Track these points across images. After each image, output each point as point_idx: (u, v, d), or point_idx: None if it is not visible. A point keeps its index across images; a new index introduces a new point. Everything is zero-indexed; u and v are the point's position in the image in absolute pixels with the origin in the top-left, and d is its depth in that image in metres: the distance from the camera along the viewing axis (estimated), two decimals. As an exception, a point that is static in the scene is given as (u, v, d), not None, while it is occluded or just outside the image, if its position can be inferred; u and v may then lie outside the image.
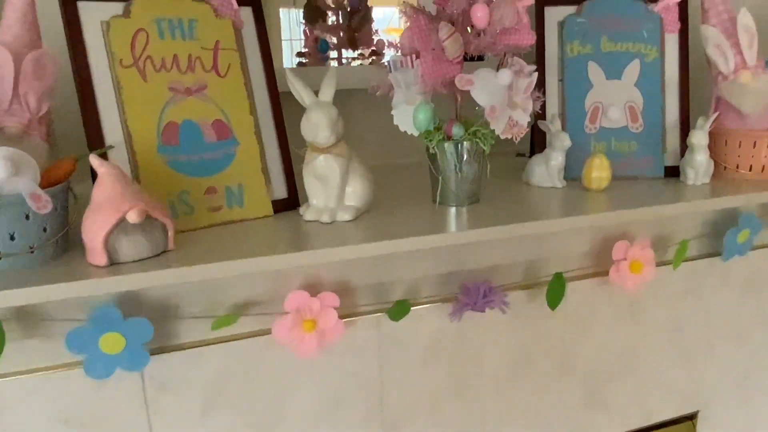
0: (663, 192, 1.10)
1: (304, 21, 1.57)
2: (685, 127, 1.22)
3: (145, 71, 0.89)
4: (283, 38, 1.49)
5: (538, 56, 1.21)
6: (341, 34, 1.61)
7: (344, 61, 1.59)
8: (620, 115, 1.20)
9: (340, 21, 1.62)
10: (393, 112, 0.98)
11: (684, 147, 1.21)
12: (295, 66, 1.51)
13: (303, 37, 1.56)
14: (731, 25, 1.16)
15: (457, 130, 0.98)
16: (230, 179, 0.95)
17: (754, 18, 1.13)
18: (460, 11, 0.91)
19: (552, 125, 1.14)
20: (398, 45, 0.99)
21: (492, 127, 0.95)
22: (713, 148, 1.17)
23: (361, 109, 1.34)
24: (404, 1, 0.96)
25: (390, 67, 0.97)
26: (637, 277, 1.01)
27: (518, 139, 0.98)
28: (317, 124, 0.89)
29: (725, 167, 1.19)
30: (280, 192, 1.02)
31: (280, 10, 1.51)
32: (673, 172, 1.21)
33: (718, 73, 1.17)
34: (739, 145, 1.16)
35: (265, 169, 0.99)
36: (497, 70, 1.00)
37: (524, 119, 0.98)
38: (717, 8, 1.17)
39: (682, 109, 1.22)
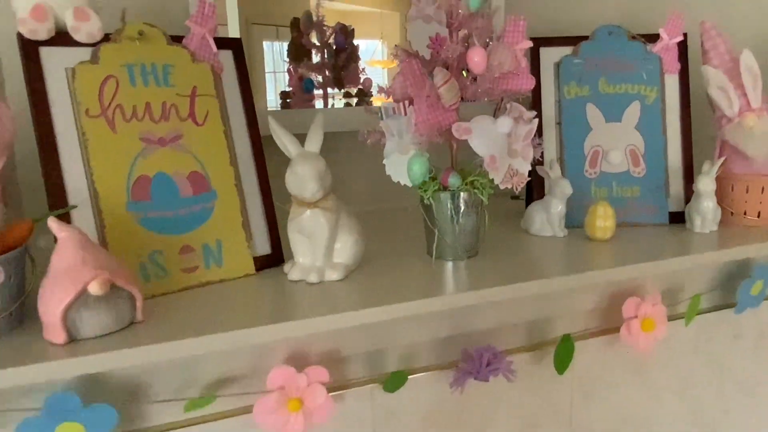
0: (670, 242, 1.04)
1: (288, 59, 1.51)
2: (689, 171, 1.17)
3: (115, 121, 0.82)
4: (266, 70, 1.43)
5: (534, 98, 1.16)
6: (327, 73, 1.56)
7: (330, 99, 1.53)
8: (621, 159, 1.15)
9: (326, 59, 1.56)
10: (385, 162, 0.91)
11: (688, 191, 1.16)
12: (279, 107, 1.45)
13: (287, 73, 1.51)
14: (733, 66, 1.12)
15: (453, 180, 0.91)
16: (208, 236, 0.87)
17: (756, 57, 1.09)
18: (455, 56, 0.85)
19: (551, 171, 1.08)
20: (389, 90, 0.93)
21: (491, 177, 0.89)
22: (719, 193, 1.11)
23: (348, 150, 1.27)
24: (396, 45, 0.90)
25: (381, 114, 0.90)
26: (649, 335, 0.94)
27: (519, 189, 0.91)
28: (303, 178, 0.82)
29: (732, 213, 1.13)
30: (263, 247, 0.94)
31: (264, 42, 1.45)
32: (677, 218, 1.15)
33: (722, 115, 1.12)
34: (747, 191, 1.11)
35: (247, 223, 0.91)
36: (494, 115, 0.94)
37: (525, 168, 0.91)
38: (718, 49, 1.13)
39: (685, 152, 1.17)
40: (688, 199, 1.16)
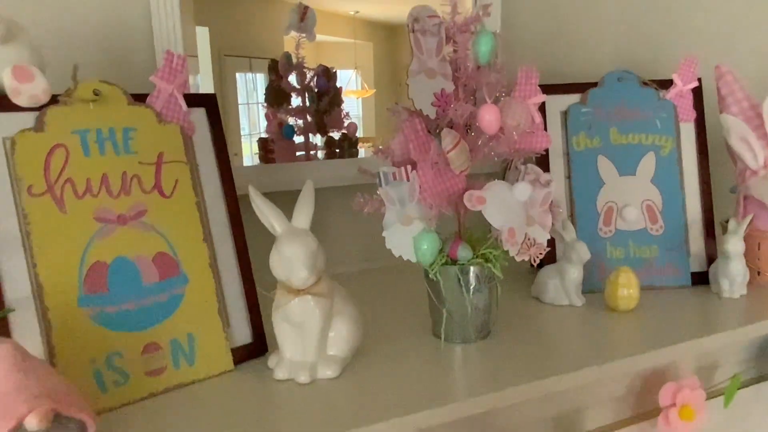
0: (700, 311, 0.94)
1: (266, 104, 1.39)
2: (710, 226, 1.07)
3: (64, 199, 0.68)
4: (239, 102, 1.31)
5: (540, 151, 1.06)
6: (308, 117, 1.44)
7: (315, 150, 1.41)
8: (637, 215, 1.05)
9: (307, 104, 1.45)
10: (384, 234, 0.79)
11: (709, 249, 1.07)
12: (256, 157, 1.32)
13: (266, 118, 1.39)
14: (754, 113, 1.03)
15: (463, 253, 0.80)
16: (177, 329, 0.74)
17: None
18: (466, 115, 0.74)
19: (565, 233, 0.97)
20: (388, 151, 0.81)
21: (506, 249, 0.77)
22: (744, 251, 1.01)
23: (338, 204, 1.15)
24: (396, 103, 0.79)
25: (380, 180, 0.78)
26: (688, 425, 0.82)
27: (537, 260, 0.80)
28: (292, 261, 0.70)
29: (759, 273, 1.04)
30: (243, 335, 0.80)
31: (237, 74, 1.34)
32: (700, 279, 1.05)
33: (744, 168, 1.03)
34: (775, 249, 1.02)
35: (223, 309, 0.78)
36: (504, 176, 0.83)
37: (543, 237, 0.80)
38: (735, 95, 1.04)
39: (705, 206, 1.08)
40: (709, 257, 1.06)
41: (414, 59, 0.75)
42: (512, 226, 0.75)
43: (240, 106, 1.34)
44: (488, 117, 0.74)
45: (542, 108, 1.06)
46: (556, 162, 1.06)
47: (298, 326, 0.73)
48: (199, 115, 0.82)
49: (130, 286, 0.71)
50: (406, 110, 0.77)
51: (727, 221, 1.10)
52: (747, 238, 1.01)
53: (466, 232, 0.83)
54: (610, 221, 1.05)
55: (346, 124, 1.47)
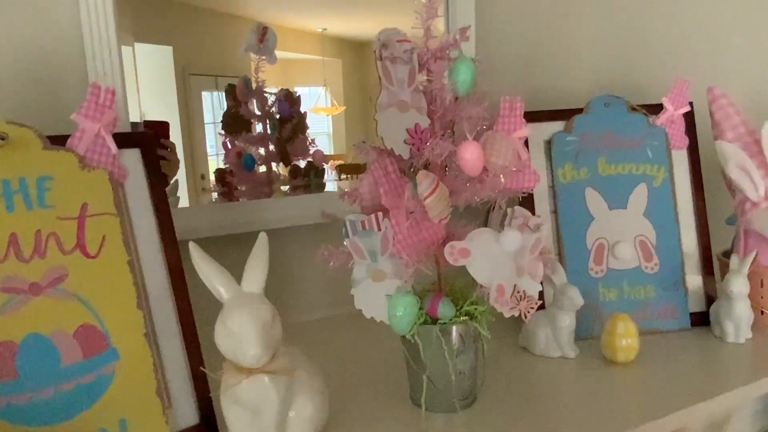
0: (706, 360, 0.85)
1: (223, 132, 1.27)
2: (708, 262, 0.99)
3: (-42, 268, 0.56)
4: (206, 122, 1.20)
5: (523, 184, 0.96)
6: (270, 146, 1.32)
7: (279, 181, 1.29)
8: (631, 252, 0.96)
9: (269, 131, 1.33)
10: (353, 292, 0.68)
11: (708, 286, 0.98)
12: (216, 196, 1.19)
13: (223, 147, 1.27)
14: (751, 140, 0.95)
15: (445, 310, 0.69)
16: (107, 416, 0.62)
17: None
18: (445, 154, 0.64)
19: (555, 276, 0.87)
20: (356, 195, 0.71)
21: (496, 307, 0.67)
22: (747, 289, 0.93)
23: (301, 245, 1.04)
24: (363, 142, 0.68)
25: (347, 230, 0.67)
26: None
27: (528, 316, 0.70)
28: (240, 336, 0.58)
29: (762, 311, 0.96)
30: (188, 417, 0.68)
31: (203, 93, 1.23)
32: (699, 319, 0.96)
33: (744, 199, 0.95)
34: (780, 287, 0.94)
35: (163, 387, 0.66)
36: (486, 220, 0.73)
37: (534, 289, 0.70)
38: (731, 120, 0.97)
39: (702, 239, 0.99)
40: (708, 295, 0.98)
41: (383, 91, 0.65)
42: (501, 282, 0.65)
43: (206, 125, 1.23)
44: (470, 156, 0.63)
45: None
46: (541, 196, 0.97)
47: (251, 409, 0.61)
48: (133, 157, 0.70)
49: (45, 369, 0.59)
50: (375, 149, 0.66)
51: (724, 254, 1.03)
52: (750, 275, 0.92)
53: (447, 283, 0.73)
54: (601, 260, 0.96)
55: (312, 152, 1.36)
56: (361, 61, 1.32)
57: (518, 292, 0.70)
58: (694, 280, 0.98)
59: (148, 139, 0.72)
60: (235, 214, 1.02)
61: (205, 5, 1.06)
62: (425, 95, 0.67)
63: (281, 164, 1.33)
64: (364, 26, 1.28)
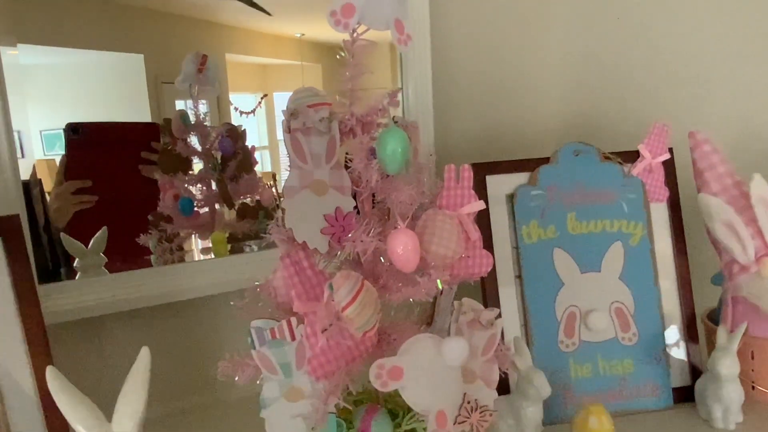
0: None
1: (159, 172, 1.14)
2: (692, 329, 0.88)
3: None
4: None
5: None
6: (212, 186, 1.19)
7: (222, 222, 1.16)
8: (606, 322, 0.84)
9: (210, 171, 1.20)
10: (263, 414, 0.56)
11: (692, 355, 0.87)
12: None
13: (160, 189, 1.13)
14: (738, 192, 0.85)
15: (380, 429, 0.57)
16: None
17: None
18: (371, 248, 0.52)
19: (519, 359, 0.75)
20: (268, 290, 0.58)
21: (437, 427, 0.55)
22: (736, 362, 0.82)
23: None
24: (273, 223, 0.56)
25: (252, 339, 0.55)
26: None
27: (481, 431, 0.58)
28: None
29: (754, 386, 0.85)
30: None
31: (176, 101, 1.12)
32: (683, 395, 0.85)
33: (731, 261, 0.84)
34: (773, 360, 0.83)
35: None
36: (433, 308, 0.61)
37: (489, 398, 0.58)
38: (715, 170, 0.86)
39: (685, 303, 0.88)
40: (693, 366, 0.87)
41: (292, 171, 0.52)
42: (443, 408, 0.52)
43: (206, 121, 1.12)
44: (401, 249, 0.51)
45: (483, 191, 0.85)
46: (503, 258, 0.85)
47: None
48: (-9, 249, 0.57)
49: None
50: (286, 239, 0.54)
51: (709, 316, 0.92)
52: (739, 348, 0.81)
53: (383, 394, 0.60)
54: (572, 331, 0.84)
55: (260, 190, 1.22)
56: (341, 65, 1.26)
57: (470, 402, 0.58)
58: (678, 350, 0.87)
59: (15, 224, 0.59)
60: (147, 283, 0.88)
61: (177, 12, 0.98)
62: (349, 172, 0.54)
63: (225, 207, 1.19)
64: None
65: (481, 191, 0.85)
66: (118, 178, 0.96)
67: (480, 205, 0.61)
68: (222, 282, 0.93)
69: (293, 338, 0.54)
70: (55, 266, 0.87)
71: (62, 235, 0.88)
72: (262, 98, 1.16)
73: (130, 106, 0.97)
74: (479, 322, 0.59)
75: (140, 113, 0.97)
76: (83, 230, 0.89)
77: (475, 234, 0.60)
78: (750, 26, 1.01)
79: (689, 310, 0.88)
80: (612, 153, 0.87)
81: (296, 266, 0.53)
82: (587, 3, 1.04)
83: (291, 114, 0.52)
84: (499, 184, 0.86)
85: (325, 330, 0.49)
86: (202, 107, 1.07)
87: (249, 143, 1.13)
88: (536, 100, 1.03)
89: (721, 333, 0.80)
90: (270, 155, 1.23)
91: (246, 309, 0.59)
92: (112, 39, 0.90)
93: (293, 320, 0.54)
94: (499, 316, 0.60)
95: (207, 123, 1.09)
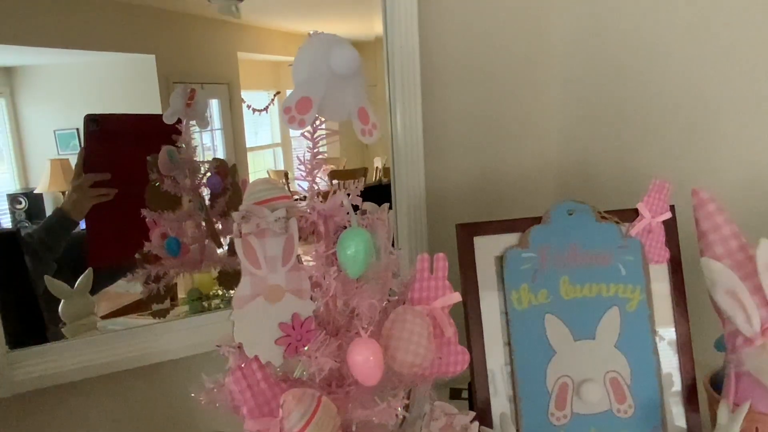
0: None
1: (147, 209, 1.10)
2: (692, 398, 0.83)
3: None
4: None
5: (469, 311, 0.80)
6: (202, 225, 1.16)
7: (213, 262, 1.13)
8: (600, 394, 0.80)
9: (199, 210, 1.16)
10: None
11: (692, 425, 0.82)
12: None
13: (148, 225, 1.10)
14: (744, 257, 0.79)
15: None
16: None
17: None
18: (328, 365, 0.47)
19: (503, 439, 0.71)
20: (224, 392, 0.54)
21: None
22: (739, 437, 0.77)
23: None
24: (221, 346, 0.51)
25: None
26: None
27: None
28: None
29: (757, 462, 0.79)
30: None
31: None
32: (681, 470, 0.80)
33: (735, 331, 0.78)
34: (779, 437, 0.77)
35: None
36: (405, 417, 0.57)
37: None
38: (720, 232, 0.80)
39: (685, 371, 0.83)
40: (693, 439, 0.82)
41: (243, 280, 0.48)
42: None
43: (194, 134, 1.09)
44: (361, 362, 0.47)
45: (470, 253, 0.81)
46: (492, 325, 0.80)
47: None
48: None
49: None
50: (235, 351, 0.50)
51: (711, 380, 0.86)
52: (742, 428, 0.76)
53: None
54: (564, 403, 0.80)
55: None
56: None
57: None
58: (678, 421, 0.82)
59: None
60: (117, 347, 0.85)
61: (188, 11, 0.97)
62: (309, 277, 0.50)
63: (213, 243, 1.16)
64: (354, 27, 1.18)
65: (468, 253, 0.81)
66: (138, 172, 0.95)
67: (455, 297, 0.57)
68: (200, 342, 0.89)
69: (247, 455, 0.50)
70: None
71: (46, 277, 0.86)
72: (274, 96, 1.13)
73: (141, 106, 0.96)
74: (452, 428, 0.55)
75: (152, 113, 0.96)
76: (100, 226, 0.90)
77: (450, 330, 0.56)
78: (756, 73, 0.95)
79: (690, 378, 0.83)
80: (608, 212, 0.82)
81: (248, 379, 0.49)
82: (588, 49, 0.98)
83: (242, 217, 0.47)
84: (488, 246, 0.81)
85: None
86: (194, 141, 1.04)
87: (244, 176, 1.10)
88: (532, 143, 0.98)
89: (723, 411, 0.74)
90: (283, 153, 1.21)
91: (206, 405, 0.55)
92: (124, 40, 0.89)
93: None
94: (475, 419, 0.55)
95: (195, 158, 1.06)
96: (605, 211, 0.82)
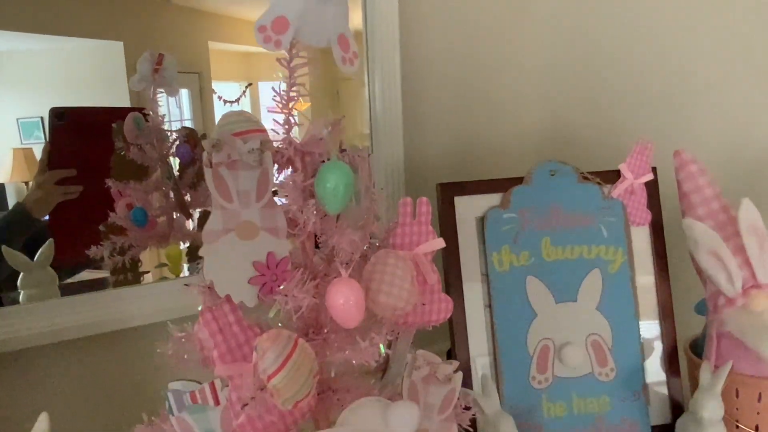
0: None
1: (112, 180, 1.05)
2: (673, 362, 0.82)
3: None
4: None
5: (449, 272, 0.77)
6: (170, 195, 1.11)
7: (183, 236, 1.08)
8: (581, 357, 0.78)
9: (167, 179, 1.12)
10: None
11: (673, 389, 0.82)
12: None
13: (114, 197, 1.05)
14: (726, 218, 0.78)
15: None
16: None
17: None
18: (305, 304, 0.44)
19: (484, 401, 0.69)
20: (195, 340, 0.50)
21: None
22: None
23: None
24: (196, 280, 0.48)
25: (169, 404, 0.47)
26: None
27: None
28: None
29: (737, 425, 0.79)
30: None
31: (158, 90, 1.06)
32: (662, 434, 0.80)
33: (717, 292, 0.77)
34: (759, 399, 0.77)
35: None
36: (382, 374, 0.55)
37: (445, 463, 0.51)
38: (702, 193, 0.79)
39: (666, 334, 0.82)
40: (674, 401, 0.81)
41: (214, 213, 0.45)
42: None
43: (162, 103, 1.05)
44: (342, 302, 0.44)
45: (450, 214, 0.78)
46: (472, 287, 0.78)
47: None
48: None
49: None
50: (205, 289, 0.46)
51: (692, 345, 0.86)
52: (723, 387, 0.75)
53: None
54: (545, 366, 0.78)
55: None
56: (326, 54, 1.21)
57: (423, 467, 0.51)
58: (658, 385, 0.81)
59: None
60: (78, 312, 0.80)
61: None
62: (285, 212, 0.47)
63: (182, 216, 1.11)
64: None
65: (449, 213, 0.79)
66: (106, 168, 0.91)
67: (439, 243, 0.54)
68: (170, 308, 0.85)
69: (217, 403, 0.47)
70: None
71: (3, 248, 0.81)
72: (246, 87, 1.09)
73: (109, 94, 0.92)
74: (435, 377, 0.52)
75: (119, 101, 0.92)
76: (65, 223, 0.84)
77: (434, 276, 0.53)
78: (738, 43, 0.95)
79: (671, 342, 0.82)
80: (591, 173, 0.81)
81: (219, 321, 0.45)
82: (569, 16, 0.97)
83: (213, 145, 0.44)
84: (469, 207, 0.79)
85: (246, 405, 0.42)
86: (162, 109, 1.00)
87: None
88: (513, 111, 0.96)
89: (705, 372, 0.74)
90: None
91: (174, 358, 0.52)
92: (92, 26, 0.85)
93: (217, 382, 0.47)
94: (458, 369, 0.53)
95: (165, 126, 1.01)
96: (587, 173, 0.80)
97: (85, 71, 0.89)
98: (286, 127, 0.47)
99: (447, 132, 0.96)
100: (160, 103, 1.01)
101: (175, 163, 1.04)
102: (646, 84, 0.96)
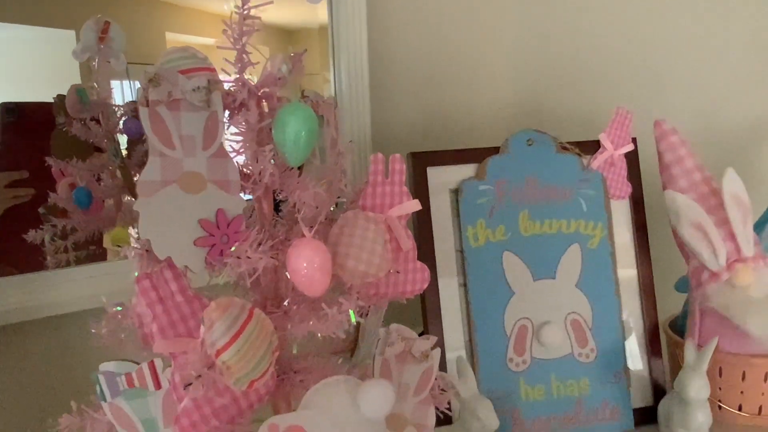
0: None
1: (53, 156, 0.96)
2: (655, 342, 0.79)
3: None
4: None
5: (421, 247, 0.71)
6: (117, 175, 1.02)
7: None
8: (561, 336, 0.74)
9: (112, 158, 1.03)
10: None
11: (654, 371, 0.78)
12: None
13: (55, 177, 0.96)
14: (708, 189, 0.75)
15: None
16: None
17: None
18: (260, 270, 0.38)
19: (461, 385, 0.63)
20: (132, 316, 0.43)
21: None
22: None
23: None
24: (136, 244, 0.41)
25: (101, 389, 0.40)
26: None
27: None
28: None
29: (720, 406, 0.76)
30: None
31: (111, 81, 0.98)
32: (644, 416, 0.76)
33: (700, 267, 0.74)
34: (743, 377, 0.74)
35: None
36: (357, 334, 0.49)
37: (422, 450, 0.46)
38: (683, 164, 0.76)
39: (647, 312, 0.79)
40: (655, 382, 0.78)
41: (150, 161, 0.38)
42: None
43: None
44: (304, 267, 0.38)
45: (422, 185, 0.73)
46: (446, 263, 0.73)
47: None
48: None
49: None
50: (142, 253, 0.39)
51: (671, 324, 0.83)
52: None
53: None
54: (523, 348, 0.73)
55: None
56: (289, 48, 1.16)
57: (397, 454, 0.45)
58: (639, 366, 0.77)
59: None
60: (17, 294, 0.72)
61: None
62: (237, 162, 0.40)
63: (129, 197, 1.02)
64: (287, 13, 1.12)
65: (421, 185, 0.73)
66: None
67: (414, 205, 0.48)
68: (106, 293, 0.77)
69: (158, 386, 0.40)
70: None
71: None
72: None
73: (60, 85, 0.85)
74: (411, 355, 0.47)
75: None
76: (17, 228, 0.76)
77: (408, 242, 0.48)
78: (713, 12, 0.92)
79: (652, 321, 0.78)
80: (570, 143, 0.76)
81: (159, 290, 0.39)
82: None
83: (150, 80, 0.37)
84: (442, 178, 0.74)
85: (189, 385, 0.35)
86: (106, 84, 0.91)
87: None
88: (486, 82, 0.91)
89: (689, 350, 0.70)
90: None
91: (108, 338, 0.44)
92: (42, 13, 0.80)
93: (158, 362, 0.40)
94: (436, 346, 0.47)
95: (113, 101, 0.92)
96: (566, 142, 0.76)
97: (35, 60, 0.83)
98: (239, 65, 0.41)
99: (417, 106, 0.90)
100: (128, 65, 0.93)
101: (123, 140, 0.96)
102: (621, 55, 0.92)
